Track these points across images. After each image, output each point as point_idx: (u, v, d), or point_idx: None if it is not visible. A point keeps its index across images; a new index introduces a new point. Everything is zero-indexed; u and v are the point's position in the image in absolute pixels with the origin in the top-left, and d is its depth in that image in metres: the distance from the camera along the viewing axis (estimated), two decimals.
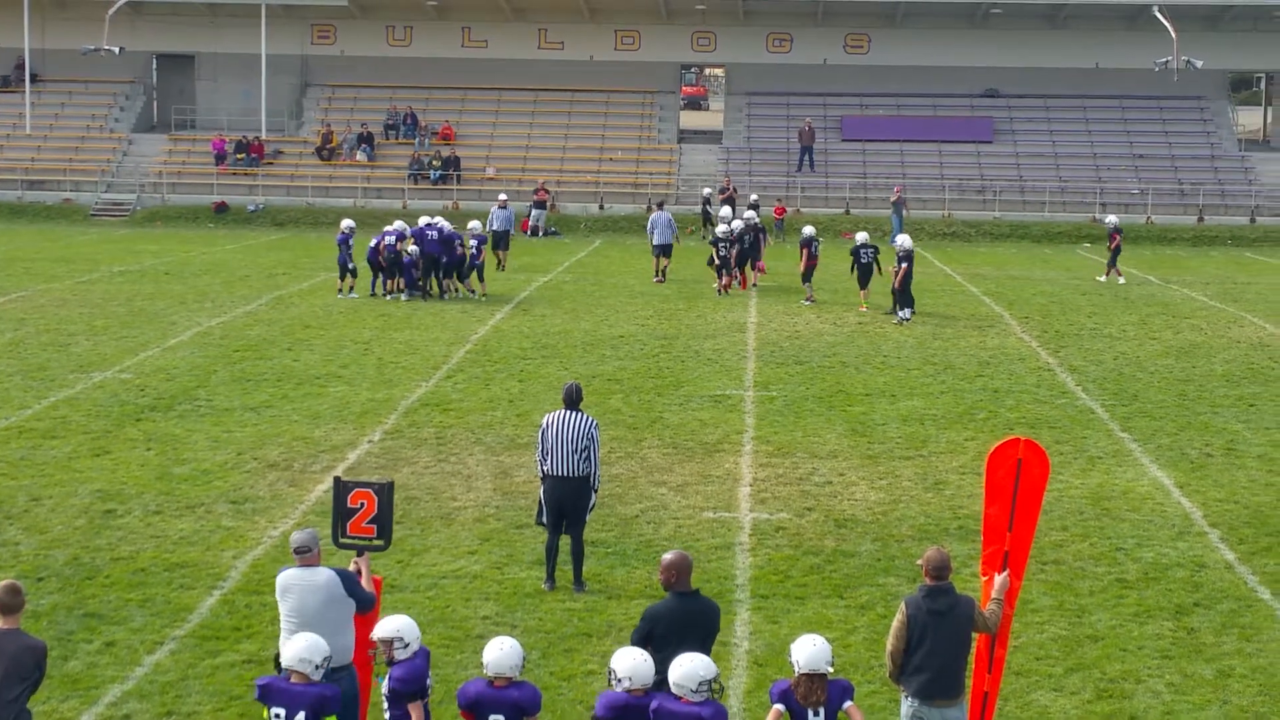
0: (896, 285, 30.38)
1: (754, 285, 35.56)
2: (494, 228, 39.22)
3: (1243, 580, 14.49)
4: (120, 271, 37.11)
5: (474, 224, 36.27)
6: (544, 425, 13.97)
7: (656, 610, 9.76)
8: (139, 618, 13.04)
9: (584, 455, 13.77)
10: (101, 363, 24.58)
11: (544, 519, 13.99)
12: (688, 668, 8.56)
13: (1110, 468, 18.74)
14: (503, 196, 41.77)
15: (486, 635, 9.81)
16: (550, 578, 13.96)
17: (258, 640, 12.35)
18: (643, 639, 9.64)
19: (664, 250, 36.90)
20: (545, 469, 13.90)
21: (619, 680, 8.62)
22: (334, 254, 34.02)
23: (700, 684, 8.50)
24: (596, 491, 14.13)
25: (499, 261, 38.60)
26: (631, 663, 8.64)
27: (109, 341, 26.60)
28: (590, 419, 13.98)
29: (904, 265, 30.07)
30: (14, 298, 31.90)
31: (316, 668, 8.67)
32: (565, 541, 13.96)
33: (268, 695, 8.67)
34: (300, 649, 8.69)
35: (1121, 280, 37.96)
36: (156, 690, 11.51)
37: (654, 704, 8.63)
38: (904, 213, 49.25)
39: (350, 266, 32.95)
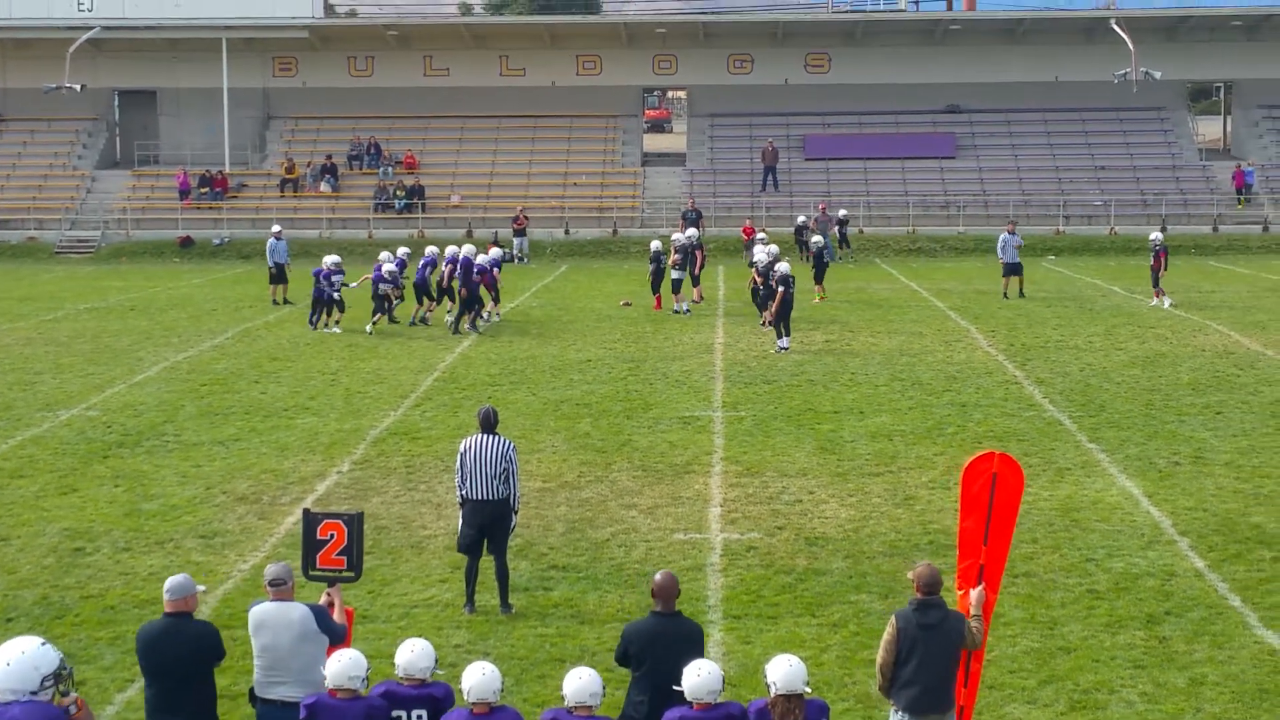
0: (773, 311, 29.36)
1: (685, 309, 34.89)
2: (272, 260, 37.81)
3: (1213, 588, 14.54)
4: (86, 309, 36.96)
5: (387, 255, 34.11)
6: (462, 450, 13.93)
7: (633, 629, 9.87)
8: (109, 655, 12.97)
9: (503, 478, 13.79)
10: (68, 400, 24.46)
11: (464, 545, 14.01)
12: (699, 680, 8.70)
13: (1079, 479, 18.80)
14: (276, 228, 39.20)
15: (460, 664, 9.77)
16: (470, 601, 13.96)
17: (229, 674, 12.24)
18: (621, 656, 9.82)
19: (1014, 269, 37.75)
20: (464, 493, 13.90)
21: (564, 697, 8.77)
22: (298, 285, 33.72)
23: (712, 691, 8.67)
24: (517, 513, 14.17)
25: (275, 295, 37.54)
26: (572, 682, 8.73)
27: (75, 379, 26.48)
28: (508, 441, 13.97)
29: (780, 290, 28.86)
30: None
31: (363, 681, 8.76)
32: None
33: (316, 713, 8.73)
34: (345, 666, 8.79)
35: (1165, 303, 35.43)
36: None
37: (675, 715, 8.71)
38: (830, 230, 49.38)
39: (334, 298, 32.39)
